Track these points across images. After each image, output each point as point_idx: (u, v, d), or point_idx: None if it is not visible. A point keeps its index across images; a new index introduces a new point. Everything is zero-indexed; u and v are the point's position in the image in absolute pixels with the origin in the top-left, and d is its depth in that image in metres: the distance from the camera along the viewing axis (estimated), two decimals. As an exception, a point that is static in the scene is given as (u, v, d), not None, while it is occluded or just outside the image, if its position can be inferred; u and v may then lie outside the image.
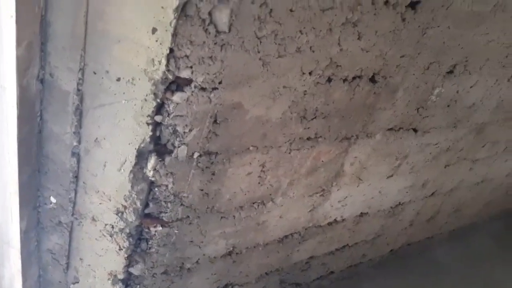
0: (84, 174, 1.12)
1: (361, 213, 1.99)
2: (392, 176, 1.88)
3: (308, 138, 1.37)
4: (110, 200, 1.14)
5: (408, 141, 1.73)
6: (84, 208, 1.19)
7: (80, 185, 1.15)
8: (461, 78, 1.59)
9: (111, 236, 1.23)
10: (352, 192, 1.79)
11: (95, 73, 0.92)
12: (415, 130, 1.71)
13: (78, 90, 0.94)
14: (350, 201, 1.84)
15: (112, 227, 1.21)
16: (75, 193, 1.16)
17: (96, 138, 1.04)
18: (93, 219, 1.20)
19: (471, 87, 1.68)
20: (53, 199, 1.17)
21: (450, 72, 1.54)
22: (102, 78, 0.93)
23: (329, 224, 1.90)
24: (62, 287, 1.42)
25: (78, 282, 1.39)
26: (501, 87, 1.84)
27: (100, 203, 1.16)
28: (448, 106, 1.70)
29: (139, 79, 0.92)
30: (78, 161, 1.09)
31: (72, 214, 1.22)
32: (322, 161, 1.50)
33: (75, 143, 1.04)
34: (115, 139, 1.03)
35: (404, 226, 2.44)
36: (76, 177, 1.13)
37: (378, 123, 1.53)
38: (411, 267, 2.74)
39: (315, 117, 1.30)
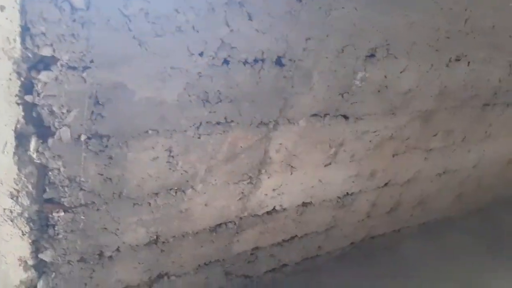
0: (-29, 157, 1.13)
1: (304, 202, 1.97)
2: (330, 164, 1.86)
3: (218, 123, 1.36)
4: (2, 183, 1.15)
5: (339, 128, 1.71)
6: (-21, 193, 1.20)
7: (-29, 169, 1.16)
8: (385, 62, 1.56)
9: (12, 221, 1.23)
10: (286, 180, 1.77)
11: (-43, 53, 0.93)
12: (345, 117, 1.69)
13: None
14: (286, 190, 1.82)
15: (11, 211, 1.21)
16: (-32, 177, 1.17)
17: (-26, 121, 1.05)
18: (-9, 204, 1.21)
19: (401, 72, 1.66)
20: None
21: (372, 56, 1.51)
22: (-35, 58, 0.94)
23: (268, 213, 1.88)
24: (-21, 274, 1.43)
25: (-8, 269, 1.40)
26: (440, 72, 1.81)
27: (-7, 187, 1.16)
28: (379, 91, 1.67)
29: (0, 58, 0.92)
30: (-37, 144, 1.11)
31: (-29, 199, 1.23)
32: (241, 147, 1.49)
33: (-45, 126, 1.05)
34: (-10, 120, 1.03)
35: (360, 218, 2.41)
36: (-35, 160, 1.14)
37: (298, 109, 1.51)
38: (375, 261, 2.69)
39: (220, 101, 1.29)
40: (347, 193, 2.13)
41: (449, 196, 2.89)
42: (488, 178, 3.05)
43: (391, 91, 1.71)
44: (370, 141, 1.90)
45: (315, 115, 1.58)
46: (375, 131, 1.86)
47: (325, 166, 1.85)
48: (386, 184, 2.29)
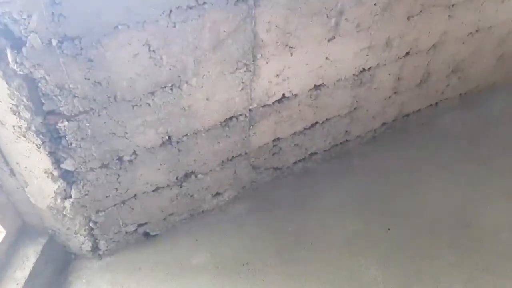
0: (-35, 81, 1.22)
1: (315, 85, 1.92)
2: (334, 38, 1.76)
3: (190, 7, 1.31)
4: (0, 101, 1.24)
5: (332, -7, 1.58)
6: (-13, 114, 1.31)
7: (-30, 92, 1.25)
8: None
9: (24, 136, 1.34)
10: (288, 63, 1.72)
11: None
12: (336, -21, 1.55)
13: None
14: (291, 74, 1.77)
15: (19, 127, 1.31)
16: (-29, 101, 1.28)
17: (-49, 43, 1.11)
18: (1, 123, 1.32)
19: None
20: (-41, 111, 1.30)
21: None
22: None
23: (279, 102, 1.86)
24: (22, 192, 1.61)
25: (28, 185, 1.56)
26: None
27: (-5, 106, 1.26)
28: None
29: None
30: (-46, 69, 1.19)
31: (-17, 122, 1.34)
32: (224, 31, 1.44)
33: None
34: (-37, 39, 1.09)
35: (386, 95, 2.31)
36: (-39, 85, 1.23)
37: (276, -23, 1.41)
38: (411, 139, 2.61)
39: (183, -19, 1.24)
40: (363, 69, 2.03)
41: (488, 59, 2.64)
42: (536, 31, 2.71)
43: None
44: (375, 5, 1.75)
45: (299, -18, 1.47)
46: (377, -8, 1.70)
47: (329, 41, 1.75)
48: (407, 54, 2.14)
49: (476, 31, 2.33)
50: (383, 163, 2.44)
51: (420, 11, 1.94)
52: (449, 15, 2.09)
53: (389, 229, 2.04)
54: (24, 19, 1.07)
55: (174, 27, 1.32)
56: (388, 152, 2.52)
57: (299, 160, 2.30)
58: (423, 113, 2.68)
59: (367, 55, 1.96)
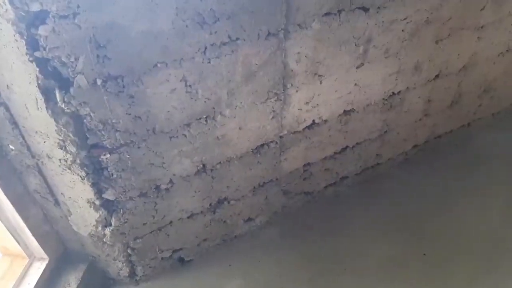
0: (18, 119, 1.31)
1: (345, 111, 1.94)
2: (362, 65, 1.78)
3: (224, 43, 1.37)
4: (48, 137, 1.32)
5: (360, 23, 1.61)
6: (36, 149, 1.39)
7: (21, 129, 1.34)
8: None
9: (69, 168, 1.42)
10: (318, 90, 1.75)
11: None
12: (364, 9, 1.58)
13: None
14: (320, 101, 1.80)
15: (65, 160, 1.39)
16: (23, 137, 1.36)
17: (7, 85, 1.20)
18: (48, 157, 1.40)
19: None
20: (11, 146, 1.39)
21: None
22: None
23: (309, 128, 1.89)
24: (65, 221, 1.69)
25: (72, 214, 1.64)
26: None
27: (44, 142, 1.34)
28: (396, -29, 1.53)
29: (1, 23, 1.04)
30: (8, 109, 1.28)
31: (33, 156, 1.43)
32: (256, 64, 1.49)
33: (-5, 94, 1.22)
34: (18, 82, 1.18)
35: (417, 118, 2.30)
36: (14, 123, 1.32)
37: (306, 10, 1.45)
38: (443, 161, 2.58)
39: (217, 20, 1.30)
40: (392, 93, 2.04)
41: (522, 76, 2.59)
42: None
43: (410, -32, 1.55)
44: (402, 31, 1.77)
45: (328, 14, 1.51)
46: (405, 18, 1.72)
47: (358, 67, 1.78)
48: (437, 76, 2.14)
49: (507, 50, 2.31)
50: (416, 186, 2.41)
51: (449, 35, 1.94)
52: (478, 37, 2.08)
53: (424, 254, 2.00)
54: (72, 62, 1.15)
55: (209, 62, 1.38)
56: (421, 174, 2.49)
57: (330, 185, 2.30)
58: (456, 134, 2.64)
59: (396, 79, 1.97)
